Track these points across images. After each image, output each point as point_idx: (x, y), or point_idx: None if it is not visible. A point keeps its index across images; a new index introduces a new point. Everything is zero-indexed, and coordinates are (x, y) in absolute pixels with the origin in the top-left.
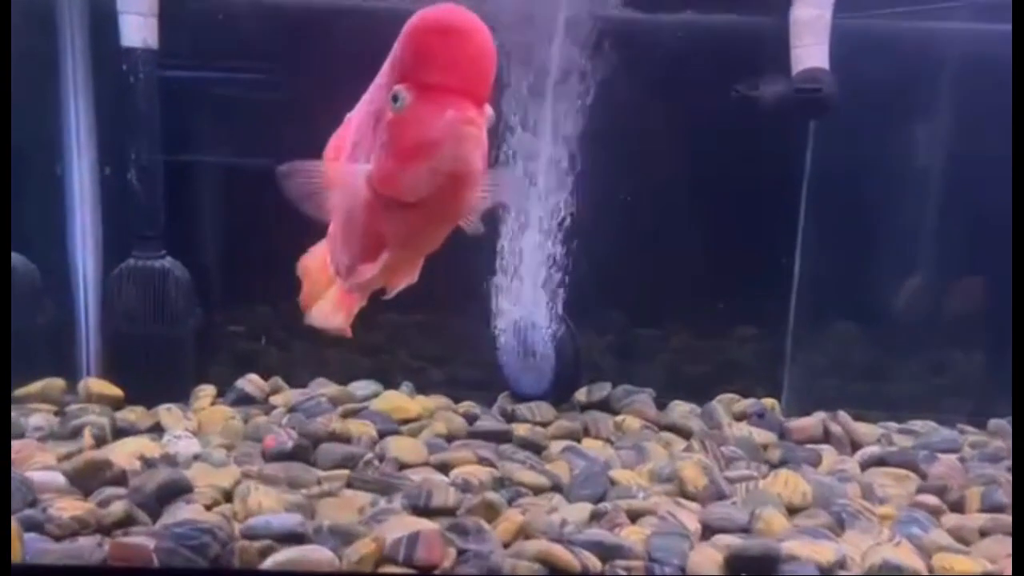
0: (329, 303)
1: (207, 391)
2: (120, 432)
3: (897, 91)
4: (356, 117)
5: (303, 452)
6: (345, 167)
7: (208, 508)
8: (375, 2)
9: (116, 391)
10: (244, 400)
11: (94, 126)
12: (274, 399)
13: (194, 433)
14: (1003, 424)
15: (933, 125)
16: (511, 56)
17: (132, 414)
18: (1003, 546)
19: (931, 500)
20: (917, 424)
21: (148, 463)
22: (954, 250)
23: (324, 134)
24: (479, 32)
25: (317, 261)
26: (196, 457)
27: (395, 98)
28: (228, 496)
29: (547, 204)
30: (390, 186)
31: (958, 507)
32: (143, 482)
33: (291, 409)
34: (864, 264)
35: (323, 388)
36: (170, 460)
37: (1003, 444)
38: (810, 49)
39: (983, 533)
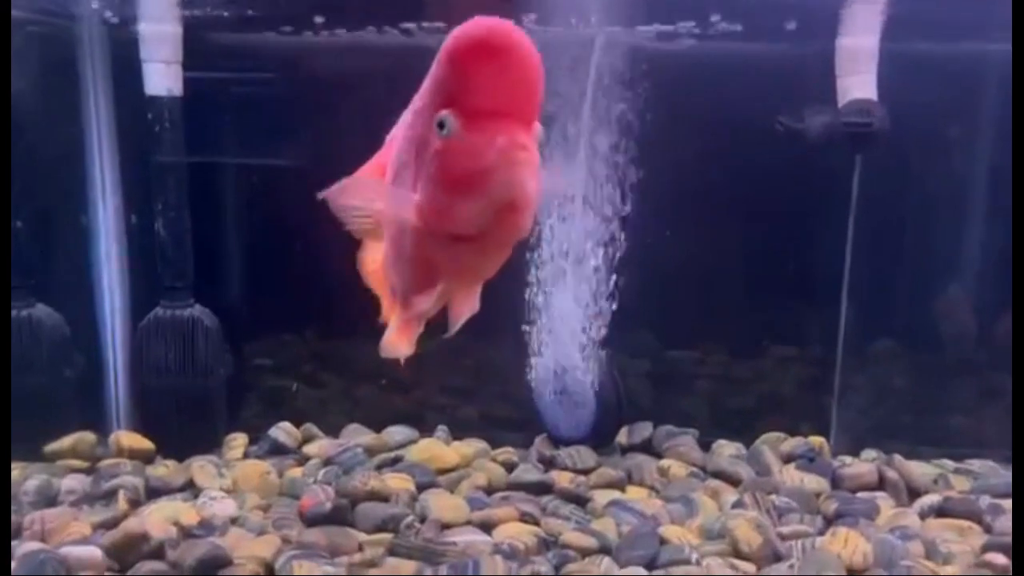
0: (393, 333)
1: (239, 440)
2: (153, 491)
3: (947, 116)
4: (396, 142)
5: (342, 513)
6: (399, 192)
7: None
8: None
9: (147, 444)
10: (277, 450)
11: (120, 175)
12: (307, 448)
13: (229, 491)
14: None
15: (986, 150)
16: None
17: (164, 469)
18: None
19: (999, 559)
20: (975, 464)
21: (185, 532)
22: (1007, 278)
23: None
24: (524, 48)
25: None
26: (233, 521)
27: (441, 125)
28: (268, 567)
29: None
30: (442, 219)
31: None
32: (182, 556)
33: (326, 461)
34: (914, 291)
35: (357, 437)
36: (206, 525)
37: None
38: (857, 78)
39: None
